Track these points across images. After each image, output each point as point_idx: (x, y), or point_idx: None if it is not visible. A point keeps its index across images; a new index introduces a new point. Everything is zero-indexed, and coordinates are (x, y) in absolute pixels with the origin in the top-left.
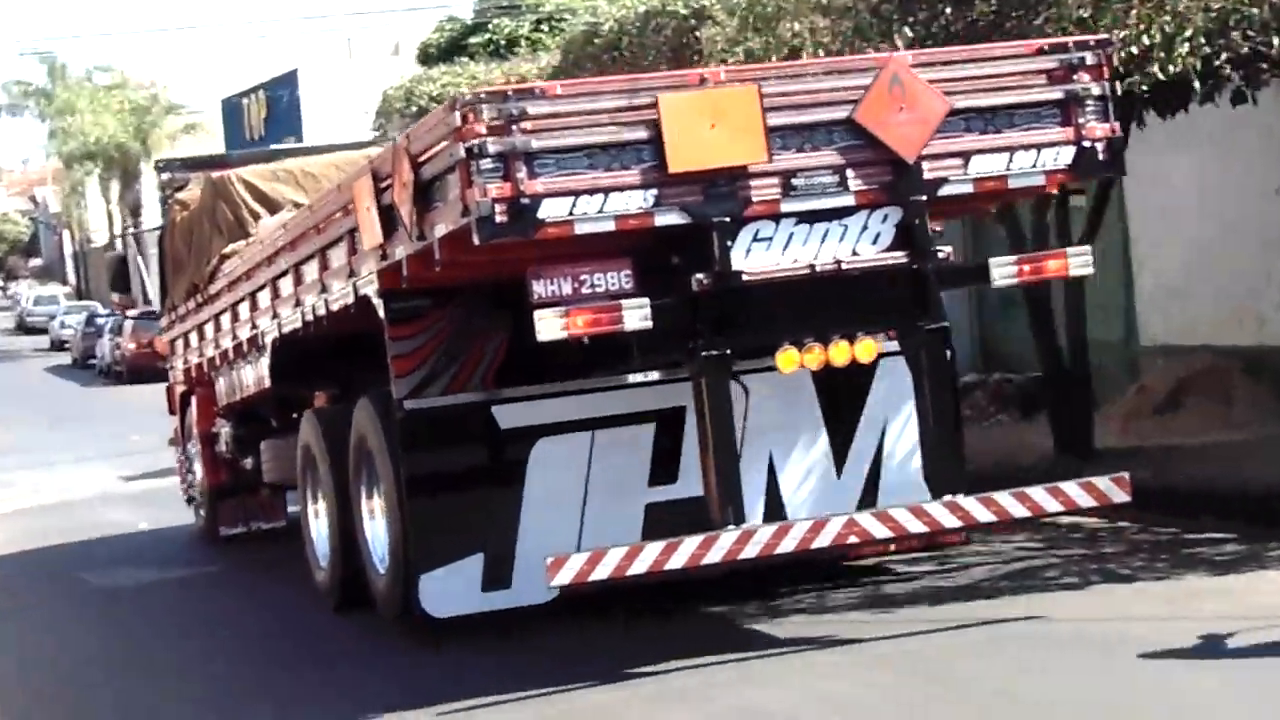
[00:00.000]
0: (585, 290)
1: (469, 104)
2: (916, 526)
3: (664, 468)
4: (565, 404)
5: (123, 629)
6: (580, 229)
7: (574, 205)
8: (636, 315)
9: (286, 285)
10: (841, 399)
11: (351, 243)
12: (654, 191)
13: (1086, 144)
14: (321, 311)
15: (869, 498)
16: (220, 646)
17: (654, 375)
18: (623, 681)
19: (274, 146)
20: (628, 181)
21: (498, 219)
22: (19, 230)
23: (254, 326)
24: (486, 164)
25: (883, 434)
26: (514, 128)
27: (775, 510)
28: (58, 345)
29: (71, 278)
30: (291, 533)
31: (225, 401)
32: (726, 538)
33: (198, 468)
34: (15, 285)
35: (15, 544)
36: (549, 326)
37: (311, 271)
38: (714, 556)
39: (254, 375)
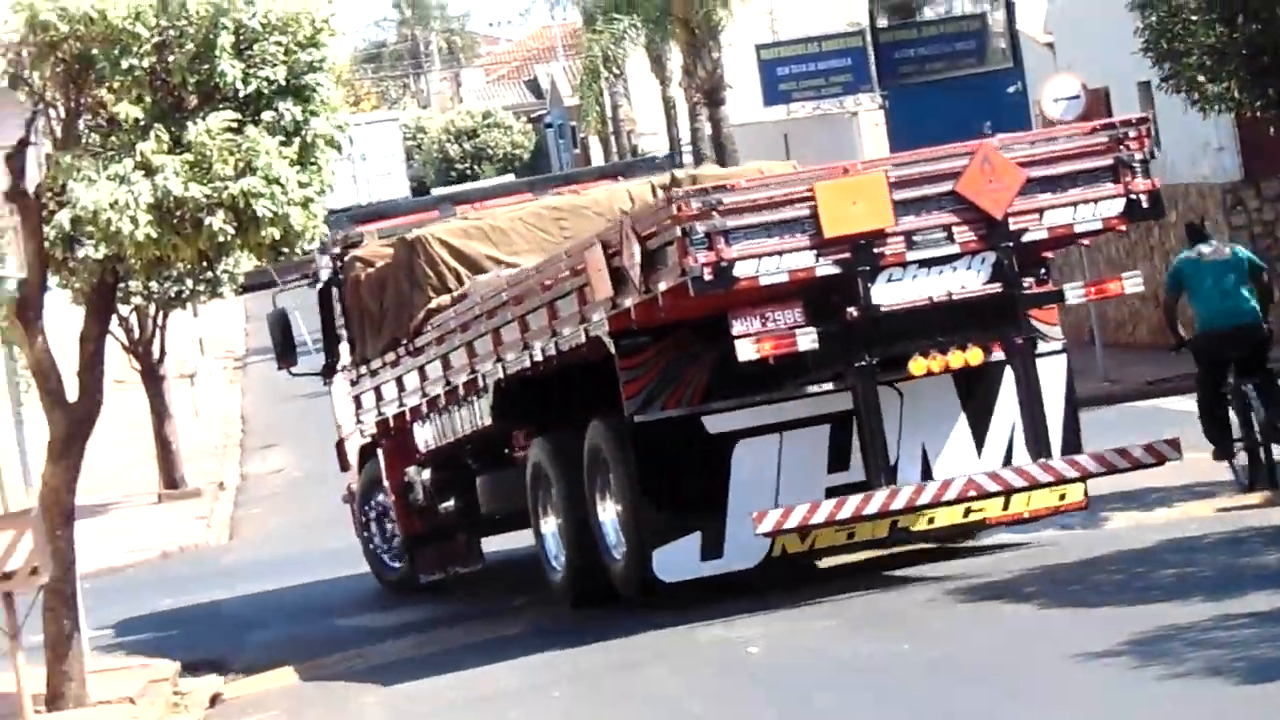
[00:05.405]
0: (770, 325)
1: (681, 198)
2: (1019, 482)
3: (838, 459)
4: (759, 412)
5: None
6: (764, 281)
7: (759, 265)
8: (807, 339)
9: (510, 333)
10: (978, 399)
11: (581, 295)
12: (815, 251)
13: (1133, 196)
14: (551, 352)
15: None
16: None
17: (827, 386)
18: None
19: (438, 191)
20: (796, 245)
21: (706, 278)
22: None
23: (472, 371)
24: (696, 239)
25: (1014, 425)
26: (714, 212)
27: None
28: None
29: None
30: (490, 575)
31: (429, 448)
32: (880, 494)
33: (393, 518)
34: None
35: None
36: (745, 350)
37: (539, 320)
38: (872, 508)
39: (468, 417)
